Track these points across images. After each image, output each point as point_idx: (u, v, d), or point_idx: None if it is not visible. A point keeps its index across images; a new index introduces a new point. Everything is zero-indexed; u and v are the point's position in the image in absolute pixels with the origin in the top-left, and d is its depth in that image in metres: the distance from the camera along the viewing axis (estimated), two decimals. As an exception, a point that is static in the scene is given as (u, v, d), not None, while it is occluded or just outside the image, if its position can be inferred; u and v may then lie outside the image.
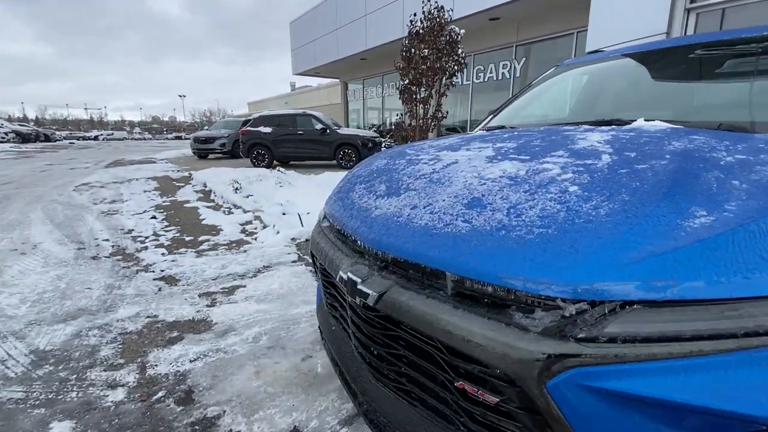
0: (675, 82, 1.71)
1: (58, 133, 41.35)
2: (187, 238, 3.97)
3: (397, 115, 6.50)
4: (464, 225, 0.86)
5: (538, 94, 2.29)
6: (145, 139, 55.76)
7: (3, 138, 24.25)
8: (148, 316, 2.33)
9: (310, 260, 1.55)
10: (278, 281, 2.82)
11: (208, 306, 2.47)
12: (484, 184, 0.99)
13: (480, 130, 2.13)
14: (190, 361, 1.89)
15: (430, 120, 6.22)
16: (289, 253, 3.47)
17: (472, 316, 0.75)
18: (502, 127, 1.98)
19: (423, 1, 5.58)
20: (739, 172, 0.81)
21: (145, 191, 6.93)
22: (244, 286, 2.76)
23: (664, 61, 1.82)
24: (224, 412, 1.56)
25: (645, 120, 1.39)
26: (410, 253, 0.89)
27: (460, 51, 6.03)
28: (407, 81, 6.03)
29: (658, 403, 0.59)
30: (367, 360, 1.08)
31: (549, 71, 2.46)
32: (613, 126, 1.39)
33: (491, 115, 2.33)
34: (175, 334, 2.15)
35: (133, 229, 4.34)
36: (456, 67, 5.99)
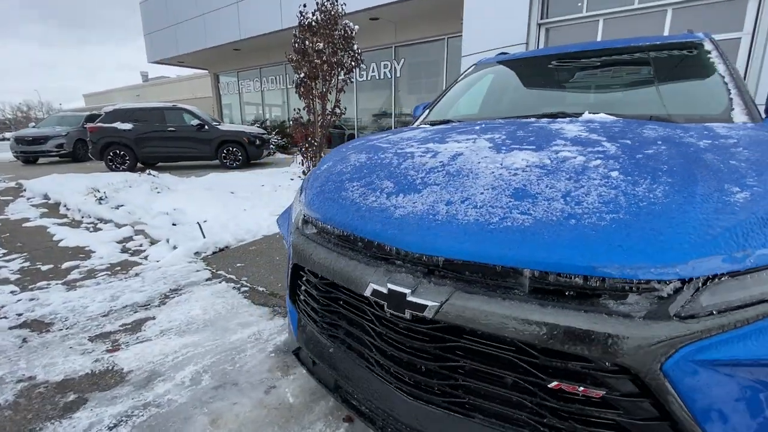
0: (592, 81, 1.99)
1: None
2: (45, 268, 3.03)
3: (295, 110, 6.13)
4: (525, 217, 0.82)
5: (464, 90, 2.41)
6: None
7: None
8: (19, 380, 1.69)
9: (290, 274, 1.31)
10: (198, 306, 2.37)
11: (108, 351, 1.92)
12: (516, 174, 0.96)
13: (422, 124, 2.13)
14: (110, 429, 1.43)
15: (329, 116, 6.06)
16: (198, 270, 2.96)
17: (566, 311, 0.71)
18: (448, 121, 2.01)
19: (314, -8, 5.37)
20: (723, 150, 0.95)
21: (-54, 210, 5.07)
22: (153, 318, 2.24)
23: (579, 62, 2.10)
24: (186, 482, 1.22)
25: (590, 113, 1.56)
26: (471, 253, 0.81)
27: (355, 47, 6.01)
28: (303, 74, 5.73)
29: (759, 363, 0.65)
30: (406, 379, 0.95)
31: (469, 69, 2.60)
32: (569, 118, 1.53)
33: (427, 110, 2.36)
34: (72, 397, 1.60)
35: (-56, 264, 3.11)
36: (353, 63, 5.95)
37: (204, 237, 3.63)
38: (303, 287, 1.26)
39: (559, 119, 1.52)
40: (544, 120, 1.54)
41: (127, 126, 8.52)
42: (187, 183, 6.49)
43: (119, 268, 3.03)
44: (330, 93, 5.97)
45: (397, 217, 0.95)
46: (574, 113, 1.59)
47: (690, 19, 5.66)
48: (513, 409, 0.84)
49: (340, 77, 5.89)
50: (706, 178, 0.84)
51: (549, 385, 0.75)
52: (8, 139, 11.15)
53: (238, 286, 2.66)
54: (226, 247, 3.51)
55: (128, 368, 1.78)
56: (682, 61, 1.85)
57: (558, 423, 0.78)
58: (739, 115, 1.44)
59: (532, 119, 1.59)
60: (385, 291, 0.87)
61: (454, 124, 1.82)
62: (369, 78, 12.86)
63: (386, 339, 0.96)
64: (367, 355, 1.05)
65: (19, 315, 2.27)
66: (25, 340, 2.01)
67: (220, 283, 2.72)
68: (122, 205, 4.80)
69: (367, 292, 0.91)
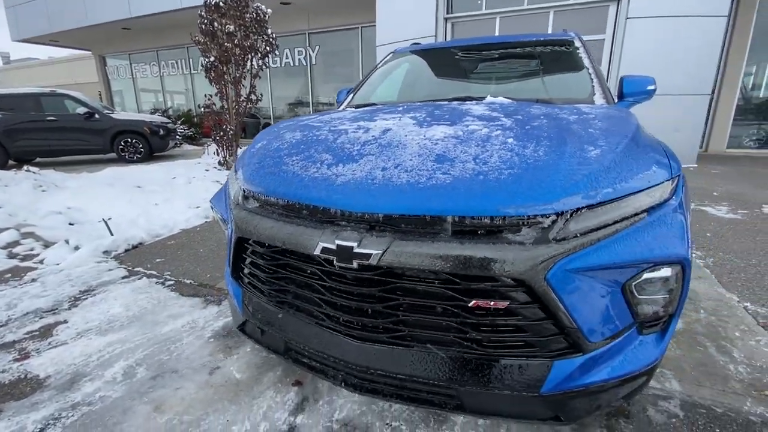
0: (492, 70, 2.30)
1: None
2: None
3: (207, 96, 5.74)
4: (446, 176, 1.00)
5: (383, 77, 2.58)
6: None
7: None
8: None
9: (233, 250, 1.35)
10: (119, 303, 2.21)
11: (16, 360, 1.73)
12: (437, 144, 1.15)
13: (349, 108, 2.25)
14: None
15: (245, 102, 5.80)
16: (111, 270, 2.72)
17: (479, 245, 0.91)
18: (373, 104, 2.16)
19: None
20: (587, 124, 1.25)
21: None
22: (65, 322, 2.04)
23: (481, 53, 2.40)
24: (137, 465, 1.21)
25: (492, 97, 1.84)
26: (406, 207, 0.97)
27: (269, 31, 5.81)
28: (213, 58, 5.39)
29: (606, 266, 0.91)
30: (355, 324, 1.09)
31: (387, 57, 2.78)
32: (476, 101, 1.78)
33: (351, 94, 2.48)
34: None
35: None
36: (267, 48, 5.75)
37: (112, 234, 3.32)
38: (248, 260, 1.32)
39: (467, 102, 1.77)
40: (455, 102, 1.77)
41: (-9, 115, 7.13)
42: (79, 179, 5.71)
43: (9, 275, 2.65)
44: (244, 78, 5.72)
45: (339, 184, 1.08)
46: (479, 97, 1.85)
47: (566, 21, 6.59)
48: (443, 332, 1.03)
49: (254, 62, 5.66)
50: (573, 141, 1.11)
51: (469, 305, 0.96)
52: None
53: (162, 280, 2.53)
54: (140, 243, 3.26)
55: (45, 374, 1.64)
56: (559, 55, 2.24)
57: (477, 335, 1.00)
58: (598, 99, 1.83)
59: (445, 102, 1.82)
60: (334, 247, 0.99)
61: (378, 106, 1.97)
62: (283, 65, 12.45)
63: (335, 292, 1.08)
64: (316, 312, 1.17)
65: None
66: None
67: (140, 279, 2.54)
68: (1, 207, 4.09)
69: (317, 251, 1.02)
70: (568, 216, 0.93)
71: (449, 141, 1.15)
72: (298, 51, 12.09)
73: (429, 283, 0.98)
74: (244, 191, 1.31)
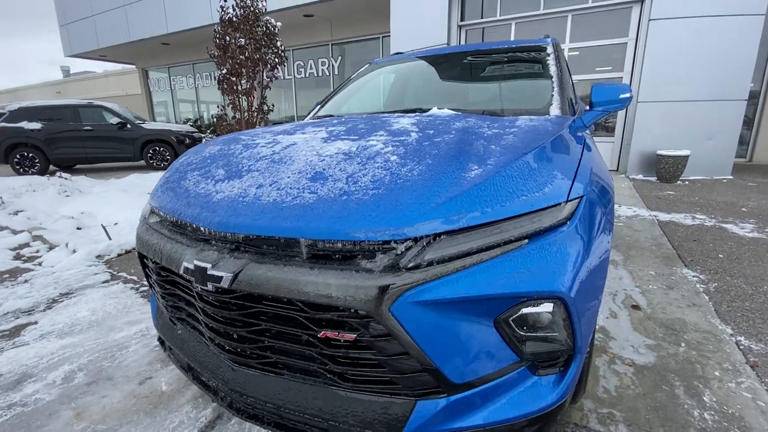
0: (455, 80, 2.21)
1: None
2: None
3: (218, 107, 5.99)
4: (311, 196, 0.95)
5: (356, 87, 2.55)
6: None
7: None
8: None
9: (140, 264, 1.36)
10: (87, 307, 2.31)
11: (-23, 359, 1.83)
12: (324, 160, 1.10)
13: (309, 119, 2.24)
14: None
15: (255, 113, 5.99)
16: (97, 273, 2.86)
17: (328, 271, 0.85)
18: (331, 115, 2.14)
19: (232, -13, 5.28)
20: (495, 140, 1.15)
21: None
22: (35, 323, 2.15)
23: (449, 63, 2.32)
24: (36, 472, 1.24)
25: (438, 108, 1.76)
26: (262, 228, 0.93)
27: (279, 44, 5.98)
28: (225, 70, 5.62)
29: (467, 299, 0.82)
30: (227, 347, 1.06)
31: (363, 68, 2.76)
32: (417, 113, 1.71)
33: (318, 106, 2.47)
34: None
35: None
36: (276, 60, 5.92)
37: (110, 239, 3.49)
38: (151, 276, 1.32)
39: (407, 114, 1.70)
40: (395, 114, 1.71)
41: (36, 125, 7.81)
42: (104, 185, 6.11)
43: (7, 275, 2.84)
44: (255, 90, 5.90)
45: (215, 201, 1.05)
46: (426, 108, 1.78)
47: (586, 25, 6.29)
48: (307, 362, 0.97)
49: (264, 74, 5.83)
50: (460, 159, 1.02)
51: (319, 335, 0.89)
52: None
53: (137, 286, 2.61)
54: (134, 248, 3.40)
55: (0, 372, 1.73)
56: (527, 63, 2.12)
57: (336, 368, 0.93)
58: (554, 110, 1.70)
59: (388, 114, 1.76)
60: (192, 267, 0.97)
61: (325, 118, 1.95)
62: (308, 75, 12.76)
63: (206, 312, 1.06)
64: (200, 330, 1.14)
65: None
66: None
67: (117, 284, 2.65)
68: (22, 211, 4.44)
69: (181, 270, 1.00)
70: (425, 243, 0.85)
71: (337, 158, 1.10)
72: (322, 62, 12.36)
73: (286, 310, 0.93)
74: (150, 207, 1.33)
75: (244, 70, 5.67)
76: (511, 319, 0.88)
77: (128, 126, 8.38)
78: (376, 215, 0.86)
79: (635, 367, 1.68)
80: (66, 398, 1.57)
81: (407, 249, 0.85)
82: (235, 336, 1.02)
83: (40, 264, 3.07)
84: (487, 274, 0.84)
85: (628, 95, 1.90)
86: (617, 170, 6.76)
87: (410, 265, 0.83)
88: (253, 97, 5.94)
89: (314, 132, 1.40)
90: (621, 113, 6.48)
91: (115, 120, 8.33)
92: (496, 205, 0.89)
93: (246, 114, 5.98)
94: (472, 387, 0.91)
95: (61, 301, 2.41)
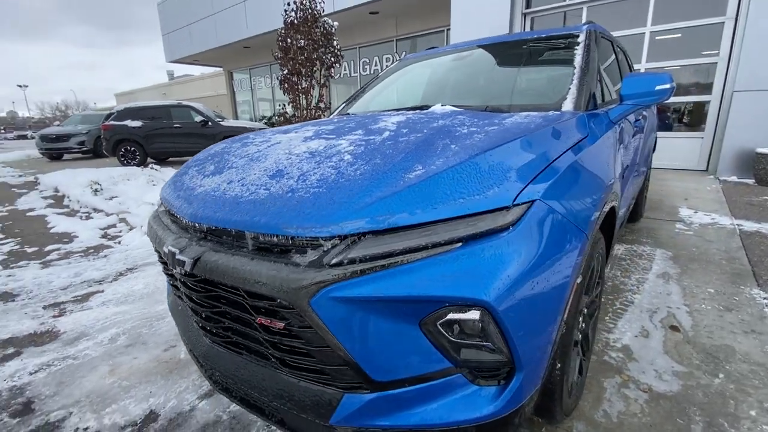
0: (473, 74, 2.13)
1: None
2: (30, 250, 3.45)
3: (280, 106, 6.42)
4: (264, 192, 1.02)
5: (382, 85, 2.58)
6: (-29, 139, 44.42)
7: None
8: (-28, 338, 2.03)
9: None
10: (142, 282, 2.68)
11: (54, 317, 2.25)
12: (290, 158, 1.16)
13: (332, 116, 2.33)
14: (30, 374, 1.74)
15: (314, 110, 6.31)
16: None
17: (263, 262, 0.92)
18: (347, 114, 2.21)
19: (292, -8, 5.60)
20: (461, 139, 1.11)
21: (-31, 201, 5.68)
22: (102, 292, 2.57)
23: (472, 57, 2.24)
24: (70, 413, 1.50)
25: (441, 105, 1.73)
26: (219, 220, 1.02)
27: (335, 43, 6.20)
28: (286, 71, 5.99)
29: (386, 298, 0.83)
30: (200, 324, 1.18)
31: (394, 64, 2.77)
32: (417, 110, 1.70)
33: (343, 104, 2.55)
34: (11, 350, 1.93)
35: (-49, 247, 3.59)
36: (332, 59, 6.15)
37: (176, 224, 3.96)
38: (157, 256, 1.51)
39: (405, 112, 1.69)
40: (393, 112, 1.72)
41: (137, 123, 9.09)
42: (184, 176, 6.91)
43: (93, 250, 3.41)
44: (313, 88, 6.21)
45: (194, 195, 1.18)
46: (426, 105, 1.75)
47: (673, 3, 5.52)
48: (257, 345, 1.05)
49: (321, 73, 6.10)
50: (407, 160, 1.00)
51: (255, 321, 0.96)
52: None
53: (187, 266, 2.96)
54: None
55: (64, 330, 2.10)
56: (551, 54, 1.96)
57: (276, 353, 1.00)
58: (567, 105, 1.57)
59: (387, 113, 1.77)
60: (167, 251, 1.10)
61: (334, 117, 2.01)
62: (372, 72, 12.99)
63: (184, 293, 1.19)
64: (187, 309, 1.29)
65: (-6, 287, 2.65)
66: (-9, 307, 2.37)
67: (171, 263, 3.02)
68: (116, 197, 5.24)
69: (162, 254, 1.15)
70: (350, 241, 0.87)
71: (301, 157, 1.15)
72: (386, 57, 12.49)
73: (235, 296, 1.02)
74: (160, 197, 1.51)
75: (303, 70, 5.99)
76: (438, 323, 0.86)
77: (209, 123, 9.35)
78: (308, 212, 0.90)
79: (650, 394, 1.50)
80: (107, 356, 1.86)
81: (333, 246, 0.88)
82: (203, 315, 1.14)
83: (119, 243, 3.62)
84: (409, 276, 0.83)
85: (667, 86, 1.67)
86: (706, 170, 5.86)
87: (333, 261, 0.86)
88: (311, 95, 6.25)
89: (306, 131, 1.47)
90: (713, 104, 5.58)
91: (199, 118, 9.35)
92: (428, 207, 0.87)
93: (305, 112, 6.32)
94: (400, 386, 0.91)
95: (126, 275, 2.83)
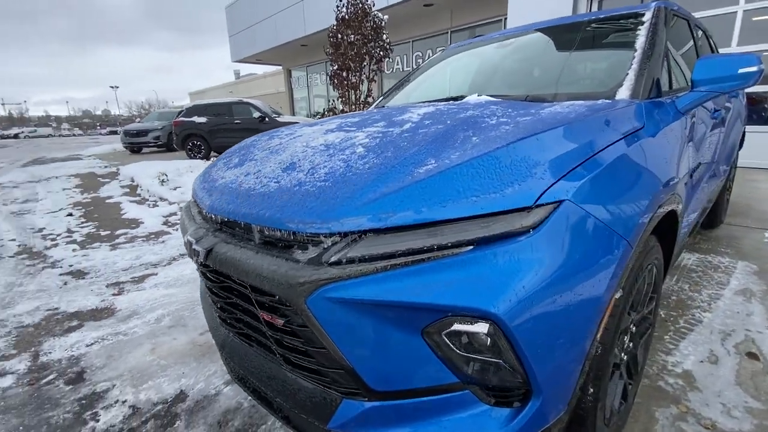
0: (518, 62, 1.96)
1: (-34, 131, 36.77)
2: (104, 233, 3.84)
3: (329, 101, 6.54)
4: (274, 185, 1.00)
5: (424, 76, 2.48)
6: (74, 135, 51.13)
7: None
8: (48, 309, 2.29)
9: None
10: (191, 268, 2.86)
11: (114, 295, 2.47)
12: (305, 151, 1.14)
13: (372, 108, 2.29)
14: (87, 346, 1.92)
15: (362, 105, 6.33)
16: (211, 241, 3.48)
17: (266, 257, 0.90)
18: (381, 106, 2.15)
19: (344, -12, 5.63)
20: (486, 131, 1.01)
21: (64, 189, 6.49)
22: (156, 274, 2.77)
23: (519, 42, 2.07)
24: (114, 385, 1.63)
25: (478, 96, 1.61)
26: (231, 212, 1.02)
27: (385, 36, 6.16)
28: (336, 66, 6.08)
29: (386, 303, 0.77)
30: (218, 314, 1.21)
31: (436, 55, 2.66)
32: (450, 101, 1.60)
33: (382, 97, 2.50)
34: (75, 323, 2.15)
35: (44, 228, 4.12)
36: (381, 53, 6.12)
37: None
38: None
39: (436, 103, 1.60)
40: (421, 104, 1.63)
41: (203, 119, 9.79)
42: (241, 169, 7.32)
43: (154, 236, 3.71)
44: (362, 83, 6.23)
45: (214, 187, 1.20)
46: (461, 96, 1.64)
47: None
48: (265, 339, 1.04)
49: (370, 67, 6.09)
50: (420, 154, 0.92)
51: (260, 315, 0.95)
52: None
53: (232, 254, 3.11)
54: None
55: (120, 308, 2.30)
56: (611, 35, 1.74)
57: (280, 350, 0.98)
58: (622, 92, 1.38)
59: (421, 104, 1.68)
60: (185, 241, 1.13)
61: (371, 109, 1.96)
62: (425, 66, 12.78)
63: (204, 282, 1.22)
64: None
65: (71, 266, 2.98)
66: (65, 283, 2.67)
67: (218, 251, 3.19)
68: (180, 187, 5.67)
69: (184, 242, 1.18)
70: (351, 239, 0.82)
71: (315, 149, 1.11)
72: (440, 50, 12.21)
73: (242, 288, 1.01)
74: (192, 189, 1.57)
75: (352, 65, 6.03)
76: (443, 333, 0.78)
77: (266, 119, 9.80)
78: (311, 207, 0.86)
79: None
80: (151, 335, 2.00)
81: (333, 244, 0.83)
82: (218, 305, 1.16)
83: (176, 230, 3.90)
84: (411, 280, 0.76)
85: (753, 69, 1.40)
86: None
87: (332, 260, 0.81)
88: (360, 90, 6.28)
89: (328, 124, 1.44)
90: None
91: (257, 114, 9.85)
92: (435, 205, 0.79)
93: (354, 107, 6.37)
94: (401, 397, 0.84)
95: (177, 261, 3.04)
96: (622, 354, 1.16)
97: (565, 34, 1.92)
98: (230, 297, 1.09)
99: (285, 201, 0.92)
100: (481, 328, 0.75)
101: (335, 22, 6.15)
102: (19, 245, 3.55)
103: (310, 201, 0.88)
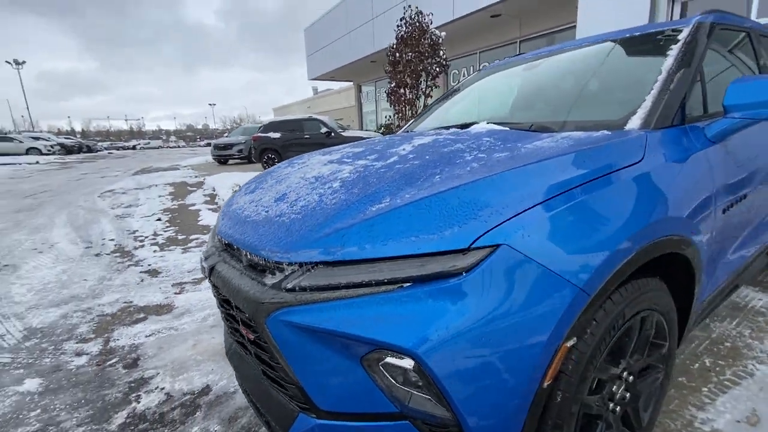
0: (538, 85, 1.91)
1: (100, 144, 44.44)
2: (180, 237, 4.43)
3: (386, 117, 6.76)
4: (264, 214, 1.15)
5: (454, 100, 2.50)
6: (179, 147, 58.93)
7: (49, 150, 26.39)
8: (125, 302, 2.74)
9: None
10: (242, 273, 3.18)
11: (176, 293, 2.86)
12: (299, 183, 1.27)
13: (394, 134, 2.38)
14: (146, 336, 2.27)
15: (417, 121, 6.45)
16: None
17: (245, 278, 1.04)
18: (407, 131, 2.23)
19: (404, 7, 5.82)
20: (456, 168, 1.05)
21: (159, 196, 7.57)
22: (213, 277, 3.14)
23: (548, 63, 2.01)
24: (157, 373, 1.91)
25: (487, 123, 1.62)
26: (229, 236, 1.19)
27: (441, 53, 6.21)
28: (394, 84, 6.28)
29: (326, 331, 0.85)
30: (225, 324, 1.38)
31: (471, 76, 2.67)
32: (458, 128, 1.63)
33: (412, 121, 2.57)
34: (141, 315, 2.54)
35: (137, 230, 4.86)
36: (438, 69, 6.18)
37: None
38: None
39: (445, 131, 1.63)
40: (421, 133, 1.68)
41: (277, 135, 10.71)
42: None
43: (219, 242, 4.17)
44: (418, 99, 6.34)
45: (229, 211, 1.38)
46: (471, 123, 1.66)
47: None
48: (253, 350, 1.18)
49: (426, 83, 6.19)
50: (380, 191, 0.99)
51: (240, 330, 1.08)
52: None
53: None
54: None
55: (178, 305, 2.66)
56: (640, 56, 1.62)
57: (257, 362, 1.10)
58: (634, 121, 1.29)
59: (428, 132, 1.73)
60: (199, 258, 1.33)
61: (393, 135, 2.06)
62: (492, 77, 12.50)
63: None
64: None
65: (149, 265, 3.51)
66: (142, 280, 3.15)
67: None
68: (249, 197, 6.27)
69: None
70: (306, 269, 0.91)
71: (306, 182, 1.24)
72: (476, 72, 11.86)
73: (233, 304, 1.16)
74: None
75: (409, 81, 6.18)
76: (380, 363, 0.84)
77: (332, 134, 10.40)
78: (279, 238, 0.98)
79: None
80: (196, 332, 2.29)
81: (292, 272, 0.94)
82: (223, 315, 1.33)
83: (238, 237, 4.34)
84: (347, 312, 0.83)
85: (806, 91, 1.23)
86: None
87: (288, 286, 0.92)
88: (416, 106, 6.40)
89: (332, 155, 1.57)
90: None
91: (324, 129, 10.50)
92: (378, 242, 0.86)
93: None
94: (346, 419, 0.91)
95: (232, 266, 3.40)
96: (612, 405, 1.09)
97: (595, 55, 1.83)
98: (229, 309, 1.26)
99: (265, 230, 1.05)
100: (408, 363, 0.80)
101: (396, 41, 6.37)
102: (115, 245, 4.25)
103: (281, 232, 1.00)
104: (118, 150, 44.02)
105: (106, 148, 44.82)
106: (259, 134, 10.89)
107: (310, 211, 1.02)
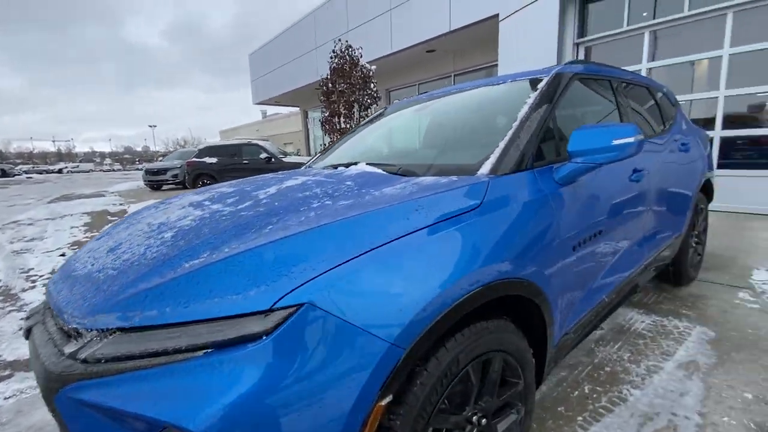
0: (418, 128, 1.99)
1: (19, 167, 40.21)
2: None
3: (321, 145, 6.78)
4: (88, 269, 1.04)
5: (357, 137, 2.52)
6: (113, 170, 54.84)
7: (-48, 175, 23.33)
8: None
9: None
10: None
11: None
12: (141, 230, 1.19)
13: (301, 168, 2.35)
14: (4, 399, 1.96)
15: (352, 149, 6.54)
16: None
17: (48, 344, 0.91)
18: (309, 167, 2.21)
19: (334, 41, 5.98)
20: (293, 217, 1.02)
21: (72, 227, 6.87)
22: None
23: (430, 107, 2.11)
24: (2, 447, 1.64)
25: (366, 164, 1.64)
26: (48, 293, 1.07)
27: (372, 86, 6.41)
28: (327, 113, 6.34)
29: (110, 410, 0.76)
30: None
31: (375, 114, 2.73)
32: (339, 168, 1.63)
33: (318, 154, 2.57)
34: (7, 372, 2.20)
35: (33, 268, 4.33)
36: (369, 101, 6.35)
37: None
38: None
39: (327, 170, 1.63)
40: (315, 171, 1.67)
41: (213, 160, 10.31)
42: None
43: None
44: (351, 129, 6.45)
45: (67, 260, 1.25)
46: (353, 162, 1.67)
47: (757, 22, 4.67)
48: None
49: (359, 114, 6.32)
50: (205, 243, 0.95)
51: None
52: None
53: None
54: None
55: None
56: (505, 103, 1.75)
57: None
58: (486, 166, 1.36)
59: (323, 169, 1.73)
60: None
61: (277, 174, 2.03)
62: (431, 107, 13.11)
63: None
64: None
65: (33, 310, 3.10)
66: (20, 328, 2.76)
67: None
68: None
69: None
70: (103, 336, 0.82)
71: (147, 231, 1.16)
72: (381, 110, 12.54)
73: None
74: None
75: (343, 110, 6.27)
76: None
77: (272, 160, 10.21)
78: (85, 298, 0.89)
79: None
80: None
81: (91, 340, 0.84)
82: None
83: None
84: (137, 386, 0.75)
85: (630, 140, 1.37)
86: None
87: (82, 357, 0.82)
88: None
89: (202, 195, 1.50)
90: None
91: (264, 155, 10.28)
92: (179, 305, 0.79)
93: (345, 150, 6.58)
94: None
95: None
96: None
97: (476, 99, 1.95)
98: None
99: (79, 288, 0.95)
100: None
101: (330, 72, 6.48)
102: (1, 286, 3.74)
103: (91, 292, 0.90)
104: (40, 174, 39.97)
105: (25, 172, 40.52)
106: (194, 159, 10.42)
107: (127, 267, 0.94)
